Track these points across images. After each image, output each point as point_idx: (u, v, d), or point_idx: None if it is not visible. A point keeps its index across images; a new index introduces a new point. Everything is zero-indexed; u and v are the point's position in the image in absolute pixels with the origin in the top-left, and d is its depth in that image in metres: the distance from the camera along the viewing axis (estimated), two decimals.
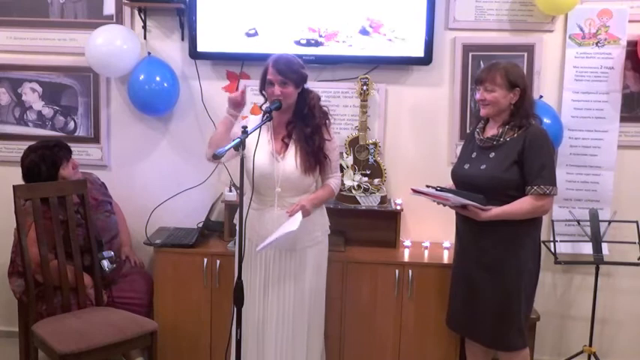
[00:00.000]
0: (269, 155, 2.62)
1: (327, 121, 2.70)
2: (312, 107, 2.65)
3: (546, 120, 3.08)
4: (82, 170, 3.21)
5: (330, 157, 2.68)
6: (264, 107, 2.60)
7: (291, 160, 2.62)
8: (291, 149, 2.63)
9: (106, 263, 2.99)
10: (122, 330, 2.72)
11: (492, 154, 2.62)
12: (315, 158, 2.63)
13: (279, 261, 2.67)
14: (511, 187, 2.56)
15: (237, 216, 2.38)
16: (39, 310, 2.85)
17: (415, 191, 2.66)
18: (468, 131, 3.22)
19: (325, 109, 2.71)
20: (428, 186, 2.66)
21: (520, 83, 2.59)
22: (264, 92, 2.66)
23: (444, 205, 2.67)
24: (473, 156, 2.69)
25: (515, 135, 2.59)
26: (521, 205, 2.54)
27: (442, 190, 2.64)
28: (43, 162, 2.95)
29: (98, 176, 3.33)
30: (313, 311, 2.74)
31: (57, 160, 2.98)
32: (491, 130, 2.66)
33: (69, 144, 3.11)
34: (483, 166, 2.61)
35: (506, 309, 2.61)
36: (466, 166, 2.69)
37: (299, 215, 2.53)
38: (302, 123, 2.63)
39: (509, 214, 2.53)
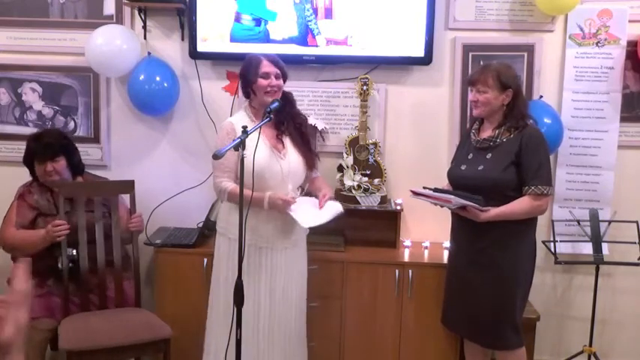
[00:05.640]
0: (270, 154, 2.62)
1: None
2: (296, 107, 2.78)
3: (546, 120, 3.09)
4: (91, 172, 3.22)
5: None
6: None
7: (295, 157, 2.66)
8: (290, 147, 2.68)
9: (64, 259, 2.88)
10: (132, 333, 2.70)
11: (489, 155, 2.62)
12: (312, 154, 2.74)
13: (286, 257, 2.68)
14: (509, 187, 2.57)
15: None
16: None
17: (415, 193, 2.67)
18: None
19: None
20: (425, 187, 2.67)
21: (512, 84, 2.61)
22: (252, 88, 2.64)
23: (442, 206, 2.67)
24: (469, 157, 2.70)
25: (512, 136, 2.60)
26: (520, 205, 2.55)
27: (440, 191, 2.65)
28: (27, 149, 3.00)
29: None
30: (298, 312, 2.75)
31: (31, 154, 2.99)
32: (487, 132, 2.67)
33: None
34: (481, 167, 2.62)
35: (503, 308, 2.62)
36: (463, 167, 2.70)
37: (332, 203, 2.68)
38: (292, 122, 2.72)
39: (507, 214, 2.54)
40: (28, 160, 3.01)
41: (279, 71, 2.62)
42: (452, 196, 2.55)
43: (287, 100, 2.71)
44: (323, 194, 2.66)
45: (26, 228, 2.94)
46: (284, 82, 2.67)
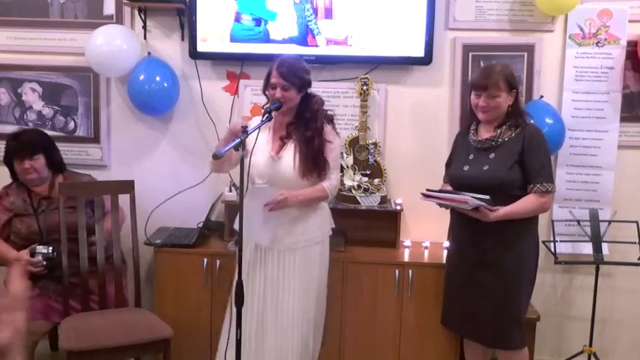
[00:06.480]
0: (267, 155, 2.63)
1: (332, 123, 2.71)
2: (315, 112, 2.66)
3: (548, 120, 3.10)
4: (82, 171, 3.22)
5: (329, 159, 2.65)
6: (264, 108, 2.60)
7: (288, 160, 2.62)
8: (289, 149, 2.63)
9: (40, 257, 2.86)
10: (132, 333, 2.70)
11: (492, 155, 2.62)
12: (314, 162, 2.61)
13: (279, 261, 2.67)
14: (514, 186, 2.58)
15: (237, 220, 2.38)
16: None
17: (426, 196, 2.65)
18: None
19: (331, 112, 2.75)
20: (428, 189, 2.66)
21: (515, 84, 2.62)
22: (266, 93, 2.67)
23: (447, 207, 2.66)
24: (470, 157, 2.69)
25: (513, 135, 2.61)
26: (526, 204, 2.55)
27: (447, 192, 2.64)
28: (6, 148, 3.01)
29: (96, 178, 3.30)
30: (310, 313, 2.72)
31: (10, 153, 2.99)
32: (488, 132, 2.67)
33: (68, 144, 3.09)
34: (486, 167, 2.62)
35: (508, 308, 2.62)
36: (465, 168, 2.69)
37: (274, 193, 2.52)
38: (303, 126, 2.64)
39: (515, 213, 2.55)
40: (8, 160, 3.02)
41: (286, 83, 2.57)
42: (468, 197, 2.52)
43: (306, 103, 2.66)
44: (280, 193, 2.53)
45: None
46: (300, 91, 2.61)
